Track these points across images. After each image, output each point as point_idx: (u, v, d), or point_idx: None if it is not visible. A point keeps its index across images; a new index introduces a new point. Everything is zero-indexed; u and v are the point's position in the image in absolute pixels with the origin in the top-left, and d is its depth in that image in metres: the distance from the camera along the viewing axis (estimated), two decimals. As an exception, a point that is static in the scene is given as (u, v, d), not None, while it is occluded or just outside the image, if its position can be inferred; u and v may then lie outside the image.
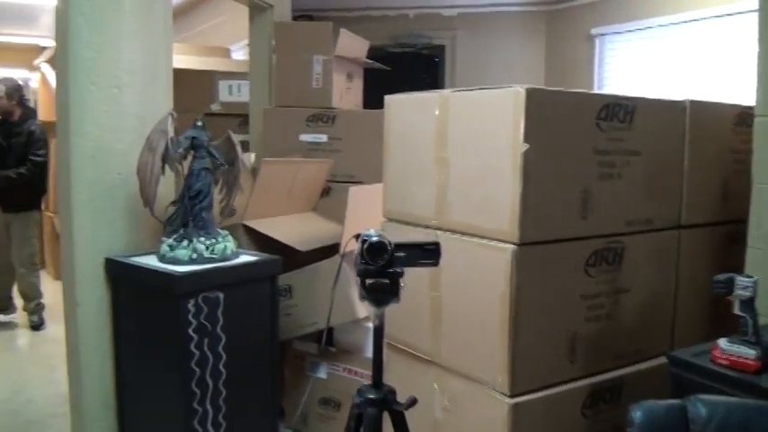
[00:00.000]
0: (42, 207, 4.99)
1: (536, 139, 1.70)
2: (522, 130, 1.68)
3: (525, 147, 1.67)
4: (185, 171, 2.38)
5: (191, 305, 2.20)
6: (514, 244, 1.72)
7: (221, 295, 2.28)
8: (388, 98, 2.15)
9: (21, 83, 5.04)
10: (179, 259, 2.32)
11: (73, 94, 2.38)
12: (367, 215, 2.80)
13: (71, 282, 2.46)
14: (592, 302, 1.90)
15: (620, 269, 1.96)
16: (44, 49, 9.83)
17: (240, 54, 5.36)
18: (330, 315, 2.70)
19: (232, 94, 4.25)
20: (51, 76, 9.76)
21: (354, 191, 2.60)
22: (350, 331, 2.83)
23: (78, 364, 2.49)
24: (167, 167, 2.35)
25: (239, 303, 2.35)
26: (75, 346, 2.50)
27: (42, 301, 5.04)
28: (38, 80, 10.91)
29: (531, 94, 1.68)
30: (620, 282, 1.96)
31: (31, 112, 4.85)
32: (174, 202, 2.44)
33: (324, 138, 3.26)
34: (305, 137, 3.36)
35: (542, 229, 1.77)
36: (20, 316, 5.12)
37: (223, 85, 4.21)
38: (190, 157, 2.39)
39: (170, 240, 2.37)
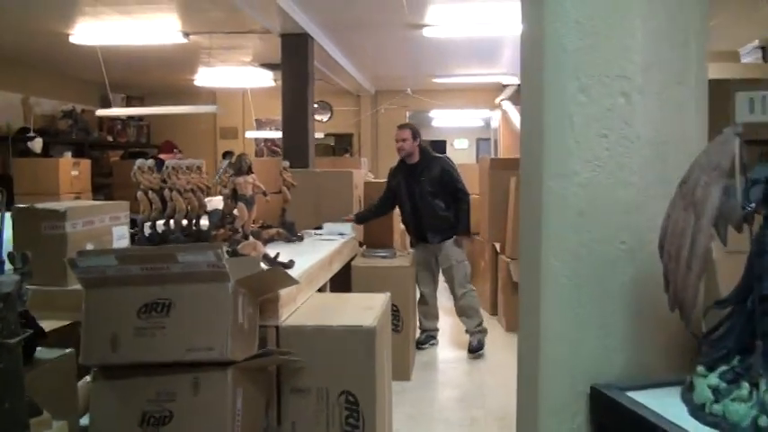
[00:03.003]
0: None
1: None
2: None
3: None
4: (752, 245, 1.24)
5: None
6: None
7: None
8: None
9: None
10: (731, 421, 1.19)
11: (549, 109, 1.44)
12: None
13: (533, 412, 1.51)
14: None
15: None
16: (505, 86, 9.66)
17: (750, 58, 4.02)
18: None
19: (754, 111, 2.92)
20: (513, 114, 9.52)
21: None
22: None
23: None
24: (720, 237, 1.25)
25: None
26: None
27: (483, 324, 5.09)
28: (498, 119, 10.92)
29: None
30: None
31: (427, 151, 5.16)
32: (720, 303, 1.31)
33: None
34: None
35: None
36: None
37: (742, 99, 2.90)
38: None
39: (713, 377, 1.24)
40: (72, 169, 7.10)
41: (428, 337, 5.28)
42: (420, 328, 5.23)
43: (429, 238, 4.95)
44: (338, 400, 2.57)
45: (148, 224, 3.62)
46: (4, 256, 1.80)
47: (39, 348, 2.33)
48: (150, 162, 3.66)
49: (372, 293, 3.17)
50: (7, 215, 2.94)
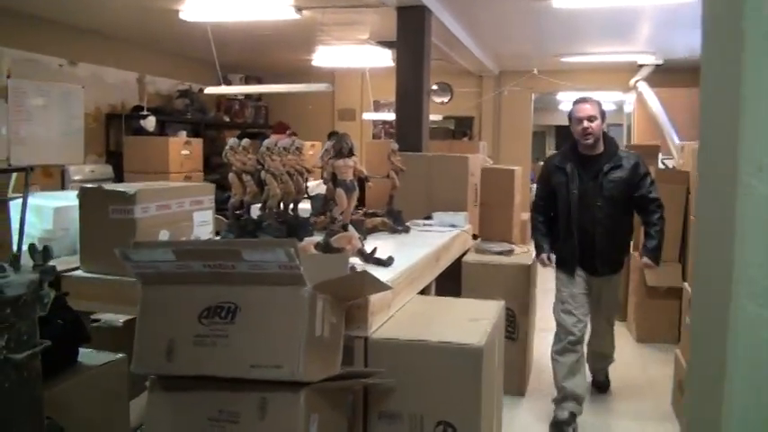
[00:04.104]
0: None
1: None
2: None
3: None
4: None
5: None
6: None
7: None
8: None
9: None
10: None
11: (750, 69, 0.94)
12: None
13: None
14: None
15: None
16: (641, 66, 8.81)
17: None
18: None
19: None
20: (650, 97, 8.66)
21: None
22: None
23: None
24: None
25: None
26: None
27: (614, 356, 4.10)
28: (633, 102, 10.06)
29: None
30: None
31: (613, 141, 3.70)
32: None
33: None
34: None
35: None
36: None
37: None
38: None
39: None
40: (183, 149, 7.00)
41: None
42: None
43: (598, 267, 3.58)
44: (434, 431, 2.14)
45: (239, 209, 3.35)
46: (25, 248, 1.49)
47: (88, 351, 2.04)
48: (246, 141, 3.35)
49: (484, 300, 2.70)
50: (69, 195, 2.70)
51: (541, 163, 4.19)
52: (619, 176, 3.49)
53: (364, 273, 1.91)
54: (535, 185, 4.75)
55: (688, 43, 7.56)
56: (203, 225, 2.76)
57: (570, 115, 3.60)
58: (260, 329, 1.83)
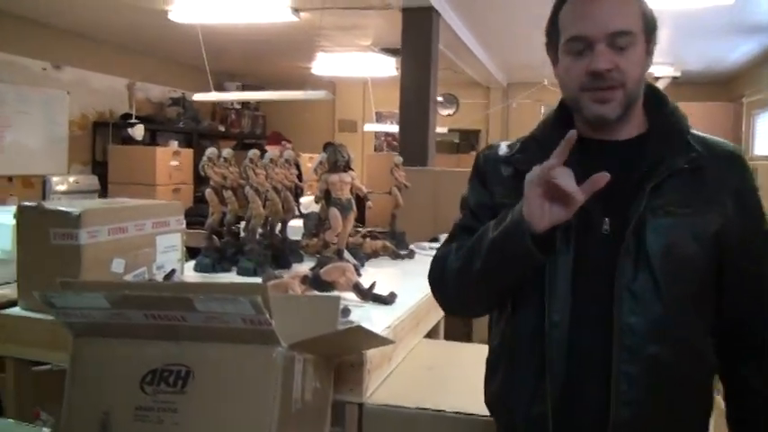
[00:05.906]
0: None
1: None
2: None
3: None
4: None
5: None
6: None
7: None
8: None
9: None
10: None
11: None
12: None
13: None
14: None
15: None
16: (658, 79, 8.39)
17: None
18: None
19: None
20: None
21: None
22: None
23: None
24: None
25: None
26: None
27: None
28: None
29: None
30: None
31: (668, 104, 1.38)
32: None
33: None
34: None
35: None
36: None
37: None
38: None
39: None
40: (172, 159, 6.55)
41: None
42: None
43: None
44: None
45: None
46: None
47: (6, 422, 1.59)
48: (227, 152, 2.92)
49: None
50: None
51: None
52: (683, 197, 1.21)
53: (359, 329, 1.45)
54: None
55: (706, 54, 7.16)
56: (169, 251, 2.31)
57: (553, 28, 1.35)
58: (218, 402, 1.37)
